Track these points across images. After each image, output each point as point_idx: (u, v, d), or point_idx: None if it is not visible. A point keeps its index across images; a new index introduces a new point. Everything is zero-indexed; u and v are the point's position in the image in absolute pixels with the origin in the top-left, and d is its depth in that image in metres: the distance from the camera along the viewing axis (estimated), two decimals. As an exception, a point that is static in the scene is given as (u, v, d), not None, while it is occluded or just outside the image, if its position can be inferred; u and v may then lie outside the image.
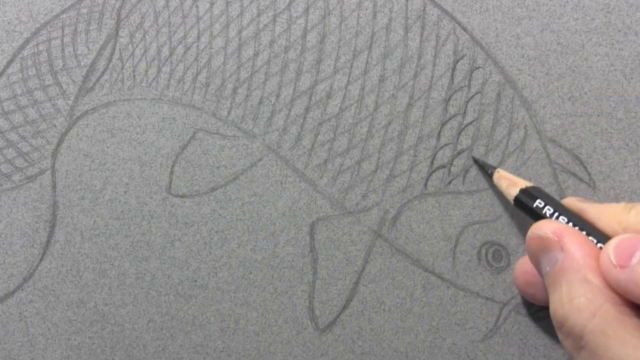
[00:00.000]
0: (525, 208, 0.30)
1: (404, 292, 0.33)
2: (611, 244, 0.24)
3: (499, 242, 0.32)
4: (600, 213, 0.27)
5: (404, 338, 0.32)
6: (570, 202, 0.29)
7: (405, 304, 0.33)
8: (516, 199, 0.30)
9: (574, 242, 0.25)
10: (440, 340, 0.32)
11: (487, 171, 0.33)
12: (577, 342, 0.24)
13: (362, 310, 0.33)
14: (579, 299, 0.24)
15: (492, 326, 0.32)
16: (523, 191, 0.30)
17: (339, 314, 0.33)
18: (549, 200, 0.29)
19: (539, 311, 0.32)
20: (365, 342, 0.32)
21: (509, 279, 0.32)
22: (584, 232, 0.26)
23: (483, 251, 0.32)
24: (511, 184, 0.31)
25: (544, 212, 0.28)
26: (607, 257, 0.24)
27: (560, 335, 0.25)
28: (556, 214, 0.28)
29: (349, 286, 0.33)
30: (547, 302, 0.29)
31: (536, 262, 0.27)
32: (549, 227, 0.26)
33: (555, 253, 0.26)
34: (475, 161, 0.33)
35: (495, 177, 0.32)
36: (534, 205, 0.29)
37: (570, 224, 0.27)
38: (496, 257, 0.32)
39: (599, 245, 0.26)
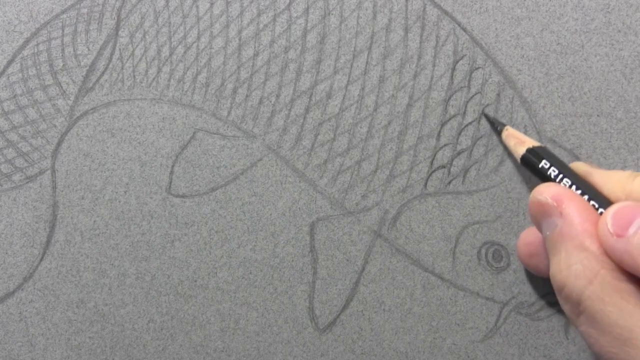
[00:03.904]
0: (531, 167, 0.29)
1: (404, 292, 0.33)
2: (610, 211, 0.24)
3: (499, 242, 0.32)
4: (605, 179, 0.27)
5: (404, 338, 0.32)
6: (578, 166, 0.28)
7: (405, 304, 0.33)
8: (523, 157, 0.30)
9: (573, 207, 0.25)
10: (440, 340, 0.32)
11: (496, 128, 0.32)
12: (575, 307, 0.24)
13: (362, 310, 0.33)
14: (576, 265, 0.24)
15: (492, 326, 0.32)
16: (530, 150, 0.30)
17: (339, 314, 0.33)
18: (555, 161, 0.29)
19: (539, 311, 0.32)
20: (365, 342, 0.32)
21: (509, 279, 0.32)
22: (586, 197, 0.26)
23: (483, 251, 0.32)
24: (519, 142, 0.30)
25: (549, 172, 0.28)
26: (604, 225, 0.24)
27: (559, 300, 0.25)
28: (561, 175, 0.28)
29: (349, 286, 0.33)
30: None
31: (538, 226, 0.27)
32: (549, 192, 0.26)
33: (554, 218, 0.26)
34: (486, 117, 0.33)
35: (504, 134, 0.32)
36: (540, 166, 0.29)
37: (574, 187, 0.27)
38: (496, 257, 0.32)
39: (600, 210, 0.26)
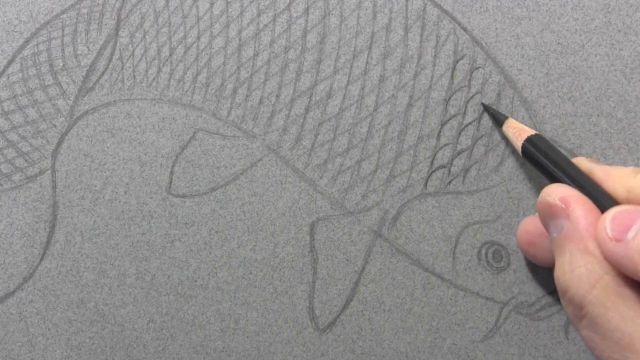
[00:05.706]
0: (532, 159, 0.29)
1: (404, 292, 0.33)
2: (608, 215, 0.24)
3: (499, 242, 0.32)
4: (607, 175, 0.27)
5: (404, 338, 0.32)
6: (580, 161, 0.28)
7: (405, 304, 0.33)
8: (523, 148, 0.29)
9: (580, 210, 0.25)
10: (440, 340, 0.32)
11: (497, 120, 0.32)
12: (578, 311, 0.24)
13: (362, 310, 0.33)
14: (579, 269, 0.24)
15: (492, 326, 0.32)
16: (528, 140, 0.29)
17: (339, 314, 0.33)
18: (555, 153, 0.28)
19: (539, 311, 0.32)
20: (365, 342, 0.32)
21: (509, 279, 0.32)
22: (593, 191, 0.26)
23: (483, 251, 0.32)
24: (519, 133, 0.30)
25: (548, 165, 0.28)
26: (603, 229, 0.24)
27: (563, 302, 0.25)
28: (561, 168, 0.28)
29: (349, 286, 0.33)
30: (547, 263, 0.29)
31: (546, 227, 0.27)
32: (557, 193, 0.26)
33: (561, 220, 0.26)
34: (486, 109, 0.33)
35: (505, 126, 0.32)
36: (540, 158, 0.28)
37: (573, 180, 0.27)
38: (496, 257, 0.32)
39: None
